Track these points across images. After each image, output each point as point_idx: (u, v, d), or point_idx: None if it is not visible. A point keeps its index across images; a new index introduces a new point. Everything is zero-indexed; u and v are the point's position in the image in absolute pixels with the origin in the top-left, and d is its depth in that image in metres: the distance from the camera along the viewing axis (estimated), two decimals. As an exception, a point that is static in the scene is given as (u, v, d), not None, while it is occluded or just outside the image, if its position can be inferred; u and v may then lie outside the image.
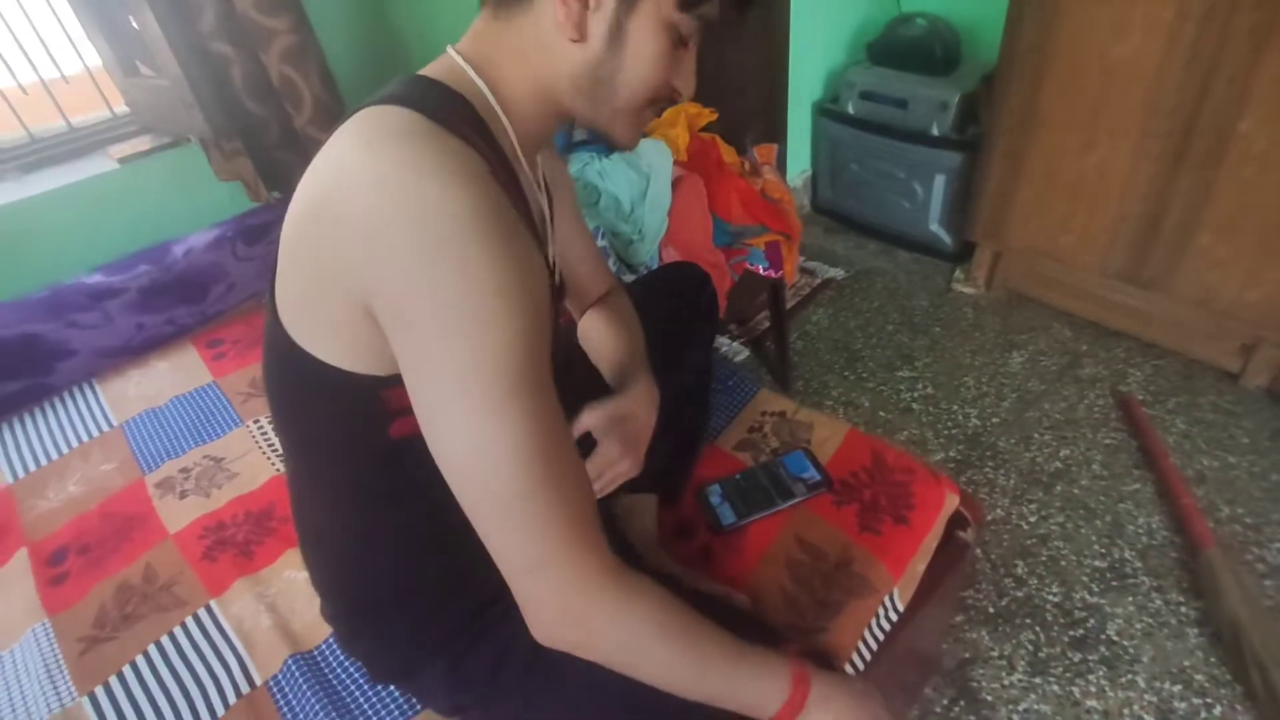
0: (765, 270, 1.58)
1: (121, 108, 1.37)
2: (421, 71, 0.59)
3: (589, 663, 0.56)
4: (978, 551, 1.46)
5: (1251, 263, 1.59)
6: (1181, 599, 1.34)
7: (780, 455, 0.94)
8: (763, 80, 2.32)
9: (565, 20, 0.54)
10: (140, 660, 0.83)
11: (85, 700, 0.79)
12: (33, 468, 1.11)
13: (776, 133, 2.45)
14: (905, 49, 2.20)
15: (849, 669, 0.77)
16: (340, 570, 0.69)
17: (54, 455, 1.13)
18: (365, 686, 0.78)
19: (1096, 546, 1.44)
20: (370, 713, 0.76)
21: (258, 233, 1.33)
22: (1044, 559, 1.44)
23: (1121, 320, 1.93)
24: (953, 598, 1.00)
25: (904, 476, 0.89)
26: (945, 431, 1.74)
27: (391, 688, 0.76)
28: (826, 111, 2.43)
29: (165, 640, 0.84)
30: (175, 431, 1.15)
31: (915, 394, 1.86)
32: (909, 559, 0.82)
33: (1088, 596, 1.36)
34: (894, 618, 0.81)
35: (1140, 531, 1.46)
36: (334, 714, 0.75)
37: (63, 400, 1.22)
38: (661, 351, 0.95)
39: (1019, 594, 1.38)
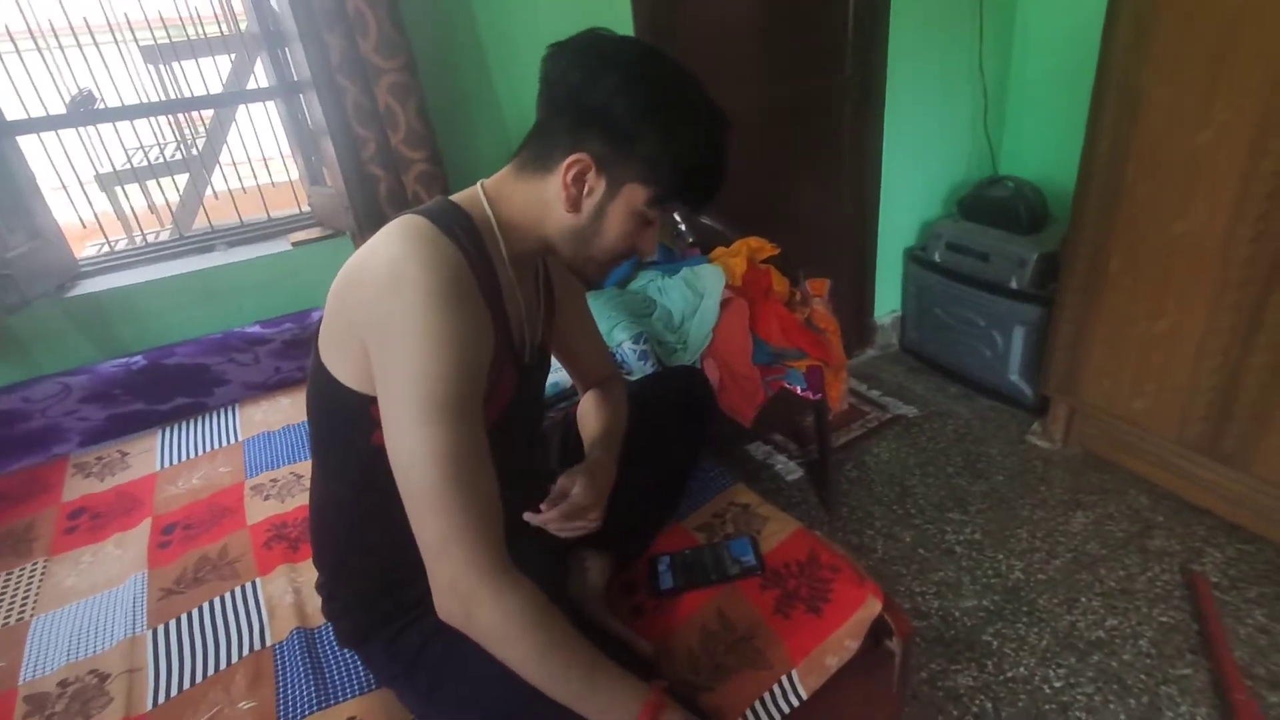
0: (803, 391, 1.70)
1: (306, 207, 1.81)
2: (453, 196, 0.83)
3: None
4: (989, 705, 1.40)
5: (1339, 448, 1.48)
6: (1215, 804, 1.20)
7: (730, 539, 1.05)
8: (850, 224, 2.51)
9: (563, 197, 0.77)
10: (194, 612, 1.06)
11: (149, 633, 1.03)
12: (176, 462, 1.45)
13: (865, 273, 2.61)
14: (992, 207, 2.31)
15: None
16: (330, 545, 0.90)
17: (193, 455, 1.46)
18: (342, 662, 0.95)
19: (1124, 727, 1.34)
20: (339, 683, 0.93)
21: (378, 308, 1.68)
22: (1060, 728, 1.35)
23: (1203, 495, 1.80)
24: (887, 709, 1.00)
25: (829, 574, 0.96)
26: (983, 579, 1.69)
27: (356, 660, 0.94)
28: (916, 258, 2.55)
29: (216, 601, 1.08)
30: (277, 451, 1.45)
31: (960, 537, 1.82)
32: (813, 647, 0.88)
33: (1100, 777, 1.26)
34: (795, 702, 0.87)
35: (1179, 720, 1.33)
36: (312, 678, 0.93)
37: (211, 417, 1.58)
38: (649, 438, 1.11)
39: (1022, 758, 1.30)
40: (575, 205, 0.77)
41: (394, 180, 1.55)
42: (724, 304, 1.68)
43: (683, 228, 2.17)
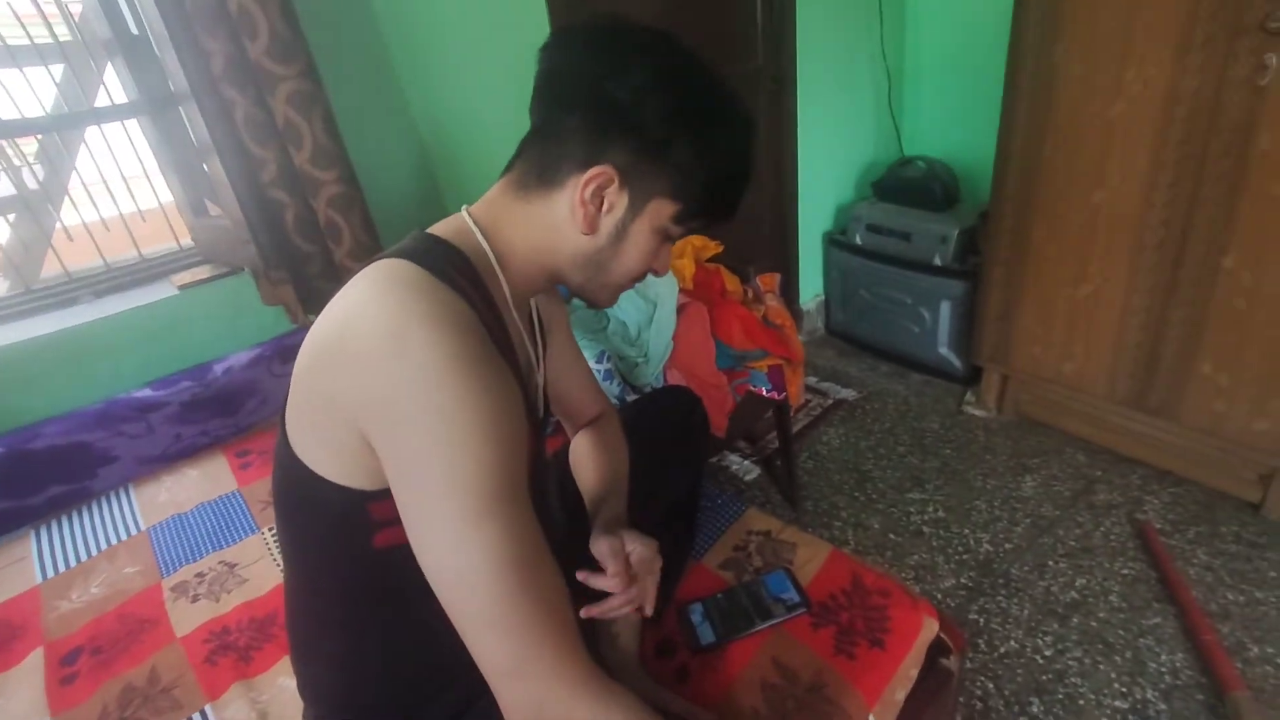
0: (768, 392, 1.65)
1: (187, 241, 1.55)
2: (432, 229, 0.68)
3: None
4: (990, 686, 1.41)
5: (1255, 393, 1.60)
6: (1211, 747, 1.26)
7: (762, 575, 0.97)
8: (773, 213, 2.49)
9: (581, 216, 0.65)
10: (132, 764, 0.85)
11: (75, 803, 0.82)
12: (63, 569, 1.18)
13: (787, 260, 2.60)
14: (907, 187, 2.36)
15: (824, 802, 0.75)
16: (326, 673, 0.73)
17: (84, 557, 1.20)
18: (341, 799, 0.79)
19: (1117, 685, 1.38)
20: (343, 827, 0.76)
21: (293, 352, 1.44)
22: (1060, 697, 1.37)
23: (1135, 446, 1.92)
24: (943, 730, 0.97)
25: (881, 600, 0.90)
26: (956, 556, 1.72)
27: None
28: (836, 242, 2.57)
29: (158, 744, 0.87)
30: (196, 537, 1.22)
31: (925, 517, 1.85)
32: (884, 685, 0.82)
33: (1109, 740, 1.29)
34: (872, 748, 0.80)
35: (1163, 670, 1.39)
36: (308, 827, 0.76)
37: (100, 504, 1.31)
38: (649, 471, 1.00)
39: (1035, 735, 1.32)
40: (591, 225, 0.66)
41: (302, 205, 1.34)
42: (680, 310, 1.59)
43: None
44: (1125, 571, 1.62)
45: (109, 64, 1.39)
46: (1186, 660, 1.41)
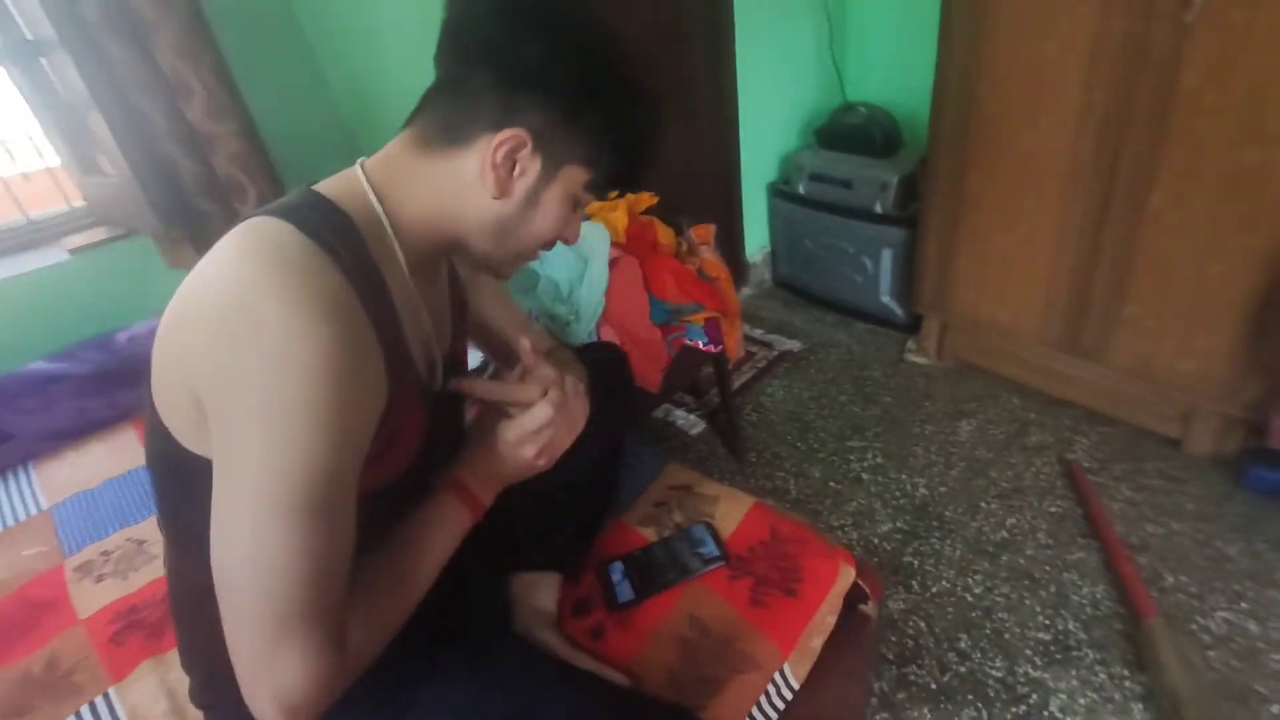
0: (705, 345, 1.63)
1: (79, 202, 1.44)
2: (320, 185, 0.62)
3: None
4: (922, 625, 1.44)
5: (1179, 333, 1.64)
6: (1126, 672, 1.32)
7: (683, 529, 0.96)
8: (715, 164, 2.44)
9: (491, 180, 0.60)
10: (26, 754, 0.82)
11: (-35, 796, 0.78)
12: (-42, 553, 1.12)
13: (731, 212, 2.57)
14: (849, 134, 2.33)
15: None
16: (204, 641, 0.69)
17: (-19, 540, 1.14)
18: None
19: (1041, 618, 1.43)
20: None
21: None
22: (988, 631, 1.42)
23: (1066, 389, 1.96)
24: (861, 675, 0.98)
25: (795, 549, 0.90)
26: (893, 501, 1.75)
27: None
28: (779, 192, 2.54)
29: (54, 731, 0.84)
30: (103, 514, 1.16)
31: (865, 464, 1.87)
32: (798, 634, 0.82)
33: (1031, 670, 1.34)
34: (789, 695, 0.81)
35: (1084, 602, 1.45)
36: (212, 806, 0.74)
37: (-2, 485, 1.24)
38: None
39: (962, 669, 1.36)
40: (504, 190, 0.62)
41: (198, 162, 1.26)
42: (612, 264, 1.55)
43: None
44: (1053, 509, 1.66)
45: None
46: (1107, 592, 1.46)
